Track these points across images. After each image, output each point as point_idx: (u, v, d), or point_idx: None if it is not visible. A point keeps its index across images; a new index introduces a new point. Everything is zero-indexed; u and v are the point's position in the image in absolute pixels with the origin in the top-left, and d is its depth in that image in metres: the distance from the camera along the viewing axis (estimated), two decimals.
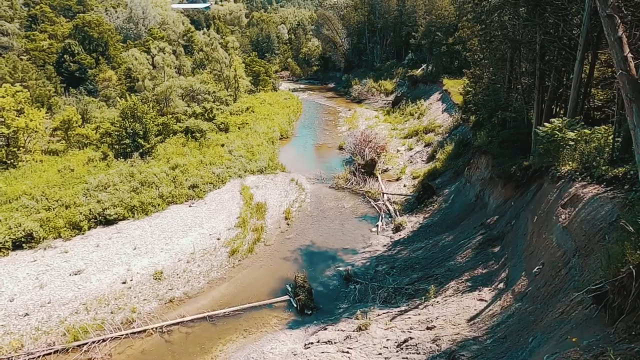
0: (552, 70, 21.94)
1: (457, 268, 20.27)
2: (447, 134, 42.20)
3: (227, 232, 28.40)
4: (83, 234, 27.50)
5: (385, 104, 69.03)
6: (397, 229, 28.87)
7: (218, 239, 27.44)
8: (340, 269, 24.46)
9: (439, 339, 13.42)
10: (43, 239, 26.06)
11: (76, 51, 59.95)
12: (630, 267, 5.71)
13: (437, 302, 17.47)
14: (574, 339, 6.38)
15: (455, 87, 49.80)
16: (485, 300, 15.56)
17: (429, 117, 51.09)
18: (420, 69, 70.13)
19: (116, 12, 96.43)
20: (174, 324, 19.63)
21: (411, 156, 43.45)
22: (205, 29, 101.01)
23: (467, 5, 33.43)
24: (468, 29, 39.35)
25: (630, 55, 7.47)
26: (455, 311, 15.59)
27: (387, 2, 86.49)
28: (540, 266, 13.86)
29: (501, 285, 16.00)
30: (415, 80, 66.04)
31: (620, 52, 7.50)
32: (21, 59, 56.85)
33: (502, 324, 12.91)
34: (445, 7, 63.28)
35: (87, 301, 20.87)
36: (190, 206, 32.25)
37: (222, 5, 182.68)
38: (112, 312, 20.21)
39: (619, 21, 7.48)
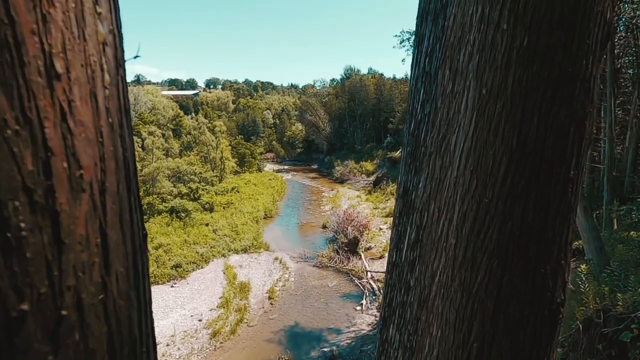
0: None
1: None
2: None
3: (210, 313, 27.84)
4: None
5: (366, 184, 71.47)
6: None
7: (200, 320, 26.82)
8: (325, 350, 23.97)
9: None
10: None
11: None
12: (578, 322, 6.44)
13: None
14: None
15: None
16: None
17: None
18: (399, 151, 73.95)
19: None
20: None
21: None
22: (193, 114, 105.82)
23: None
24: None
25: None
26: None
27: (366, 91, 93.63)
28: None
29: None
30: (395, 162, 69.25)
31: None
32: None
33: None
34: None
35: None
36: (172, 286, 31.78)
37: (210, 92, 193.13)
38: None
39: None
